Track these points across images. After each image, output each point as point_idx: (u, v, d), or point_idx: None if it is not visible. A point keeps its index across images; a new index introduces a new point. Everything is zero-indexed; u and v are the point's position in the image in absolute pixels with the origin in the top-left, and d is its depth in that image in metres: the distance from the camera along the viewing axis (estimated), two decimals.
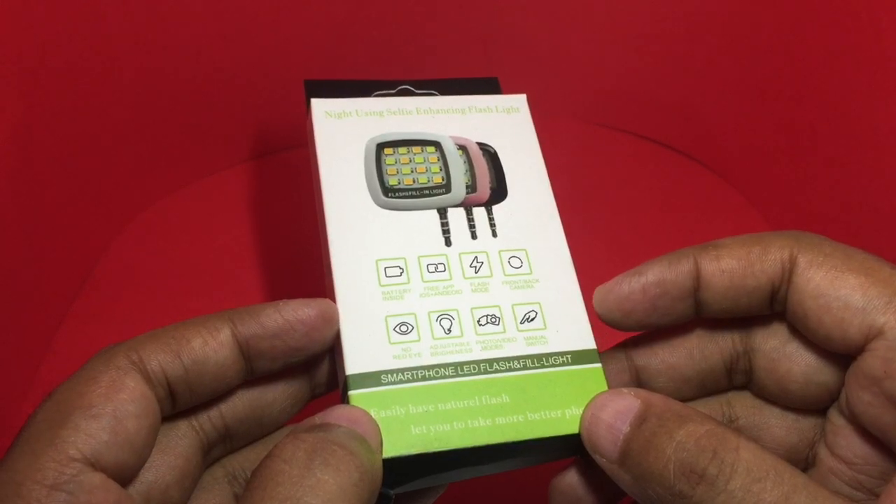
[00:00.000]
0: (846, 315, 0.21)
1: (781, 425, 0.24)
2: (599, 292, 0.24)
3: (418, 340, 0.24)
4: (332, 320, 0.23)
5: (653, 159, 0.45)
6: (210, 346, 0.22)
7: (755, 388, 0.25)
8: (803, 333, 0.23)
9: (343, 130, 0.27)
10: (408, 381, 0.23)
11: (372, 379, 0.23)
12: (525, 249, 0.26)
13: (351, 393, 0.23)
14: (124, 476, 0.20)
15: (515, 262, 0.26)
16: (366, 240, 0.25)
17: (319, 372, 0.25)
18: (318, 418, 0.21)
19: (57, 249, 0.36)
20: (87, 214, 0.38)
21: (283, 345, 0.23)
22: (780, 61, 0.39)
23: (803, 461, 0.24)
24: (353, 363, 0.23)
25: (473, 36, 0.42)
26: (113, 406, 0.20)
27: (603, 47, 0.43)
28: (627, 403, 0.22)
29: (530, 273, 0.26)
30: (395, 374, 0.23)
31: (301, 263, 0.39)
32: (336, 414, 0.21)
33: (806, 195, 0.40)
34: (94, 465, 0.19)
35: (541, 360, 0.24)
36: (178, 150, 0.41)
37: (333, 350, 0.24)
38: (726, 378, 0.25)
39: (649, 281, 0.24)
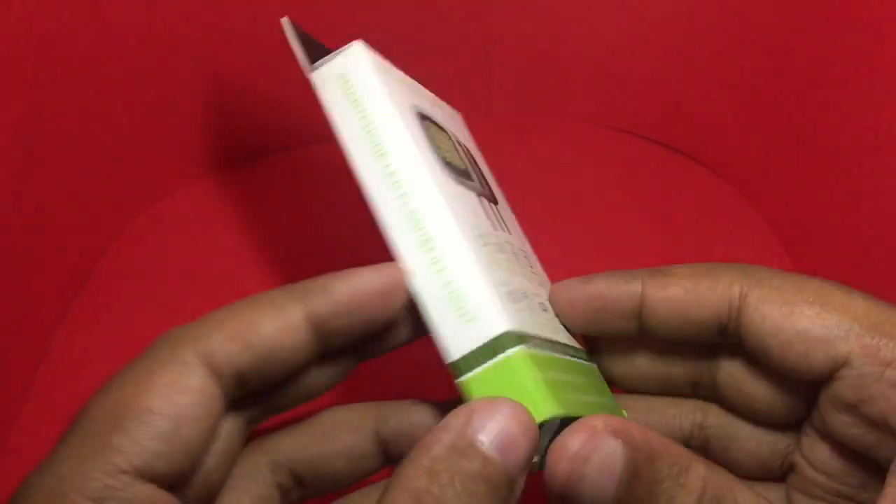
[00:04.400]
0: (808, 349, 0.21)
1: (752, 437, 0.24)
2: (552, 290, 0.24)
3: (530, 312, 0.22)
4: (402, 288, 0.21)
5: (653, 159, 0.45)
6: (282, 330, 0.20)
7: (721, 403, 0.24)
8: (767, 367, 0.22)
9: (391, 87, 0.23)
10: (540, 347, 0.21)
11: (523, 339, 0.20)
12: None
13: (514, 351, 0.19)
14: (177, 482, 0.19)
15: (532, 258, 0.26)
16: (455, 208, 0.22)
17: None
18: (462, 425, 0.18)
19: (57, 249, 0.36)
20: (87, 214, 0.38)
21: (359, 320, 0.21)
22: (781, 61, 0.39)
23: (778, 469, 0.24)
24: (503, 321, 0.20)
25: (474, 36, 0.42)
26: (172, 409, 0.18)
27: (603, 47, 0.43)
28: (614, 463, 0.18)
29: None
30: (534, 339, 0.21)
31: (302, 263, 0.39)
32: (490, 432, 0.18)
33: (806, 195, 0.40)
34: (145, 475, 0.18)
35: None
36: (179, 150, 0.41)
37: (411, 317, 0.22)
38: (690, 388, 0.25)
39: (591, 293, 0.23)
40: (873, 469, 0.22)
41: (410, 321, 0.22)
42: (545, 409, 0.19)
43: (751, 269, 0.22)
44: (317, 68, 0.23)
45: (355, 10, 0.39)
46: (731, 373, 0.23)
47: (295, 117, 0.42)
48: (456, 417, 0.18)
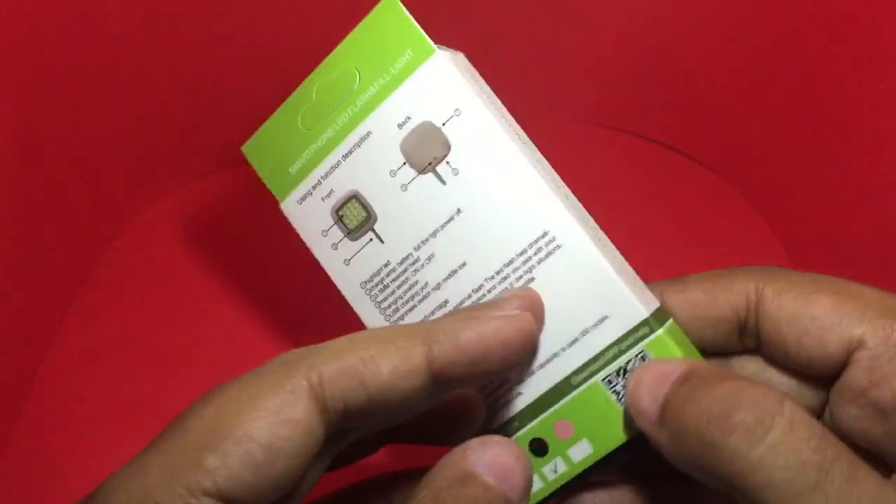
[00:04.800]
0: (824, 333, 0.21)
1: None
2: None
3: None
4: (533, 340, 0.21)
5: (653, 159, 0.45)
6: (400, 373, 0.19)
7: None
8: (784, 363, 0.23)
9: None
10: None
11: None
12: None
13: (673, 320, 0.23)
14: None
15: None
16: None
17: None
18: (459, 459, 0.19)
19: (57, 249, 0.36)
20: (87, 214, 0.38)
21: (479, 372, 0.20)
22: (781, 61, 0.39)
23: None
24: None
25: (473, 36, 0.42)
26: (271, 440, 0.18)
27: (603, 47, 0.43)
28: (671, 367, 0.21)
29: None
30: None
31: (302, 264, 0.39)
32: (486, 462, 0.19)
33: (806, 195, 0.40)
34: (228, 500, 0.18)
35: None
36: (179, 150, 0.41)
37: None
38: None
39: None
40: (881, 469, 0.22)
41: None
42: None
43: (766, 268, 0.23)
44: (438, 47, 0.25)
45: (352, 9, 0.39)
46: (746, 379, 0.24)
47: None
48: (452, 454, 0.19)
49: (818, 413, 0.23)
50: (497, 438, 0.20)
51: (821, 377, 0.22)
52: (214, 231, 0.40)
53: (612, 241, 0.25)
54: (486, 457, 0.19)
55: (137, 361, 0.36)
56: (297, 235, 0.40)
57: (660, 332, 0.22)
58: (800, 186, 0.40)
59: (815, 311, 0.21)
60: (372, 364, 0.19)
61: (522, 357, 0.21)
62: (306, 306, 0.37)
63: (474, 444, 0.19)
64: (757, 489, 0.17)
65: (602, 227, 0.26)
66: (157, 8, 0.36)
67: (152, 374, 0.35)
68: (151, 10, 0.36)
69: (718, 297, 0.23)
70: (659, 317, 0.23)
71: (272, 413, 0.18)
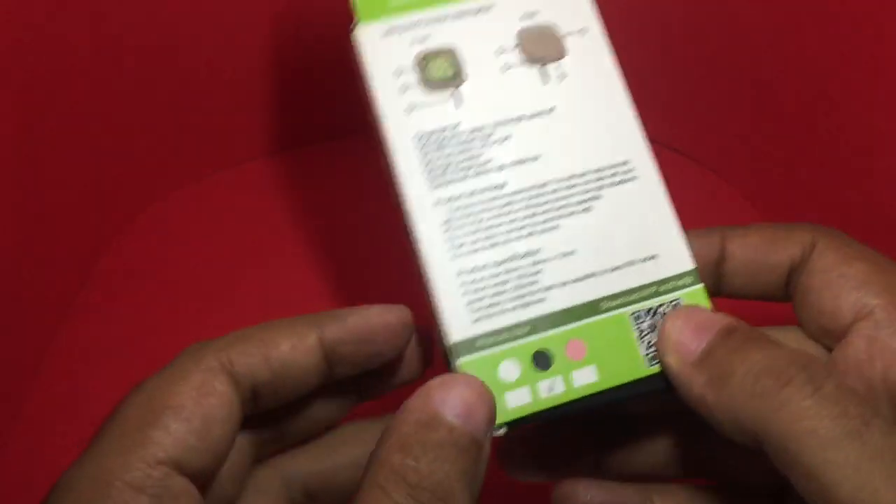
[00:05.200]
0: (843, 292, 0.22)
1: None
2: None
3: None
4: (410, 326, 0.23)
5: None
6: (298, 350, 0.22)
7: None
8: (799, 314, 0.24)
9: None
10: None
11: None
12: None
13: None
14: (203, 481, 0.20)
15: None
16: None
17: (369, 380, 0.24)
18: (423, 403, 0.19)
19: (57, 248, 0.36)
20: (88, 214, 0.38)
21: (366, 350, 0.22)
22: (781, 61, 0.39)
23: None
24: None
25: None
26: (203, 410, 0.20)
27: None
28: (717, 317, 0.22)
29: None
30: None
31: (301, 264, 0.39)
32: (450, 403, 0.19)
33: (806, 195, 0.40)
34: (179, 468, 0.19)
35: None
36: (179, 149, 0.41)
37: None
38: None
39: None
40: None
41: (412, 363, 0.24)
42: None
43: (826, 227, 0.24)
44: None
45: None
46: None
47: (294, 120, 0.42)
48: (416, 398, 0.20)
49: None
50: (459, 377, 0.20)
51: (825, 344, 0.23)
52: (215, 231, 0.40)
53: None
54: (450, 397, 0.19)
55: (138, 361, 0.36)
56: (294, 236, 0.40)
57: (701, 285, 0.24)
58: (799, 187, 0.40)
59: (846, 270, 0.23)
60: (272, 343, 0.21)
61: (404, 339, 0.23)
62: (308, 306, 0.37)
63: (436, 384, 0.20)
64: (799, 435, 0.19)
65: None
66: (158, 6, 0.36)
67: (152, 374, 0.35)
68: (152, 7, 0.36)
69: (778, 243, 0.24)
70: (698, 274, 0.24)
71: (197, 388, 0.20)
